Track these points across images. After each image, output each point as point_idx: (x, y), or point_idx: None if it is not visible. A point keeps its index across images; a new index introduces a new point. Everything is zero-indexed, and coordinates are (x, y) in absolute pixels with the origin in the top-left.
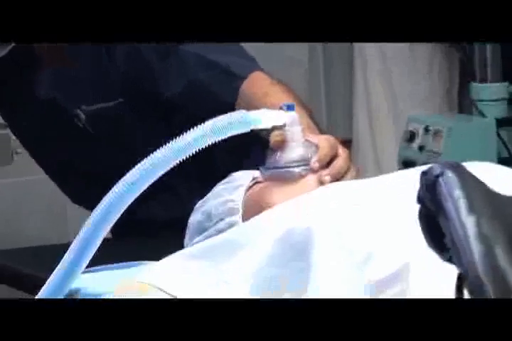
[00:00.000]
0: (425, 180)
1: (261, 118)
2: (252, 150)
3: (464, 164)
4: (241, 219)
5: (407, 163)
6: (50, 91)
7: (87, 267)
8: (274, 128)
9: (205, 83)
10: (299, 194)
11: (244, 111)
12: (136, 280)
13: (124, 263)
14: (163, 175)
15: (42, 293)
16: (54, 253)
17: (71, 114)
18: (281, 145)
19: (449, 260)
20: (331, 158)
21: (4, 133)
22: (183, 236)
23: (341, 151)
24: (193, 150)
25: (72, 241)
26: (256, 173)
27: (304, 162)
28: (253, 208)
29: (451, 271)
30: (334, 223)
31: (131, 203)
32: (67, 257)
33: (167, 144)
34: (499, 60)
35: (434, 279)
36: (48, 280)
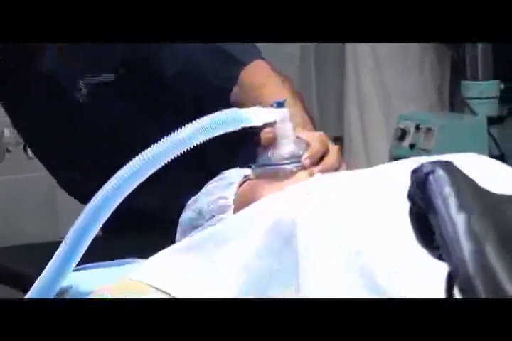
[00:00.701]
0: (415, 177)
1: (251, 116)
2: (242, 147)
3: (453, 156)
4: None
5: None
6: (52, 66)
7: (78, 265)
8: (264, 125)
9: (204, 65)
10: None
11: (235, 108)
12: (127, 278)
13: (115, 261)
14: (156, 170)
15: (33, 290)
16: (44, 250)
17: (73, 89)
18: (272, 142)
19: (440, 257)
20: (322, 154)
21: None
22: (174, 233)
23: (332, 148)
24: (184, 148)
25: (63, 238)
26: (247, 171)
27: (295, 159)
28: (244, 205)
29: (442, 269)
30: (320, 214)
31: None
32: (59, 254)
33: (158, 142)
34: (490, 58)
35: (424, 277)
36: (39, 277)
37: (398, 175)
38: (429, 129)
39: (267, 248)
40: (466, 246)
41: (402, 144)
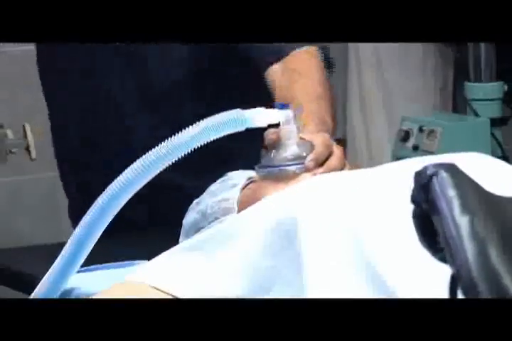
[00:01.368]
0: (419, 180)
1: (255, 117)
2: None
3: (456, 155)
4: None
5: None
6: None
7: (83, 266)
8: (269, 126)
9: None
10: None
11: (239, 109)
12: (128, 279)
13: (117, 263)
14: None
15: (37, 292)
16: (47, 252)
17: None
18: (276, 143)
19: (443, 260)
20: (325, 156)
21: None
22: (177, 235)
23: (336, 150)
24: (188, 149)
25: (65, 240)
26: (251, 173)
27: (299, 160)
28: (248, 207)
29: (445, 271)
30: (321, 211)
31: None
32: (62, 255)
33: (162, 143)
34: (493, 59)
35: (428, 279)
36: (43, 279)
37: (401, 175)
38: (432, 131)
39: (269, 247)
40: (469, 249)
41: (405, 146)
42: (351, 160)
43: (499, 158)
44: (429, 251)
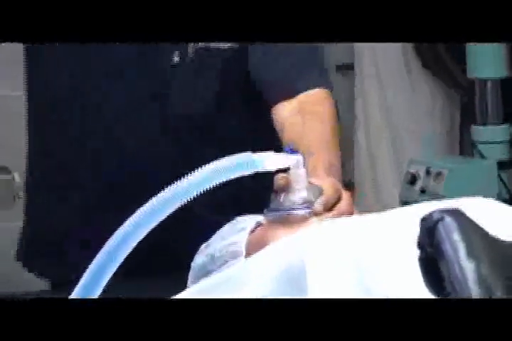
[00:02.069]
0: (425, 225)
1: (266, 162)
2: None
3: (462, 201)
4: None
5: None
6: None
7: None
8: (278, 170)
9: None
10: None
11: (249, 153)
12: None
13: None
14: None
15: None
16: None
17: None
18: (285, 188)
19: None
20: (335, 201)
21: (6, 179)
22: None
23: (345, 195)
24: (195, 192)
25: None
26: (260, 217)
27: (308, 204)
28: (256, 250)
29: None
30: (328, 255)
31: None
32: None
33: (171, 185)
34: (500, 102)
35: None
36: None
37: (408, 220)
38: (439, 173)
39: (276, 292)
40: (475, 294)
41: (412, 188)
42: (359, 205)
43: (506, 200)
44: (436, 295)
